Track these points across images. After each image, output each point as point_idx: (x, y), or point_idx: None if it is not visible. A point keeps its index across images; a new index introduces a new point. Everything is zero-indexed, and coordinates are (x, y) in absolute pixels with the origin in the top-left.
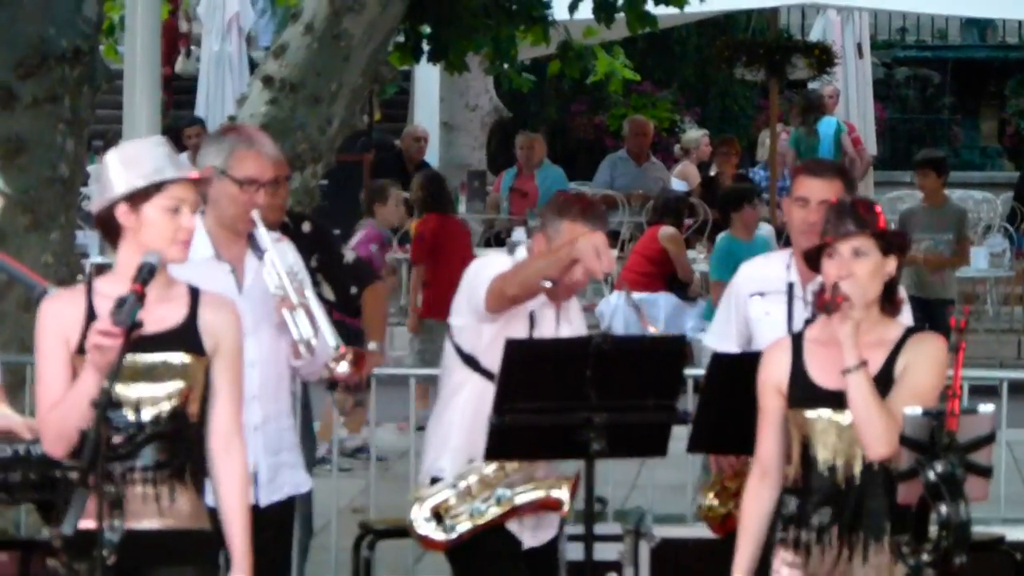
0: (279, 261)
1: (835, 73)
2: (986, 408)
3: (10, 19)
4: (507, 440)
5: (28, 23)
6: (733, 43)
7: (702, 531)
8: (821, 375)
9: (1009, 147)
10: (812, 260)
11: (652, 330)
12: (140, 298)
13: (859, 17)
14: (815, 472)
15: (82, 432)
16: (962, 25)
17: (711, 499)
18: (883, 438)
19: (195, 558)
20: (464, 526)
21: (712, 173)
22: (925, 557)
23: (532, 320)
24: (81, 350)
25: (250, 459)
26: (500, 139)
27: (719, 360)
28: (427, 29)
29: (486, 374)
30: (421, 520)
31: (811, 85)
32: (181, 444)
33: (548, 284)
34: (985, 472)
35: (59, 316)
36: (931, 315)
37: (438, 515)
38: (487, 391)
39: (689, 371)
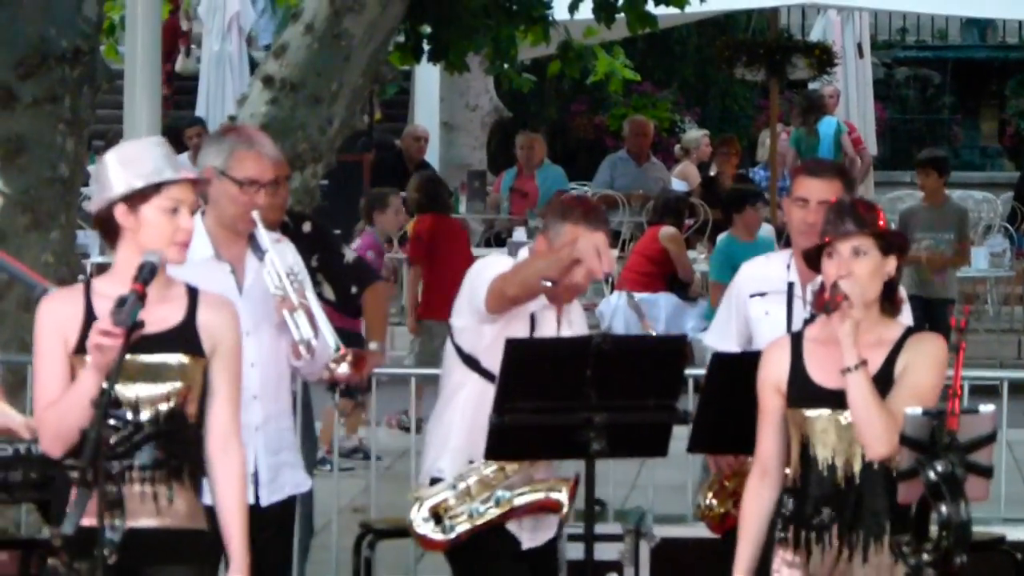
0: (279, 262)
1: (835, 73)
2: (987, 408)
3: (10, 19)
4: (507, 440)
5: (28, 23)
6: (733, 43)
7: (702, 531)
8: (821, 374)
9: (1009, 147)
10: (812, 260)
11: (652, 333)
12: (141, 298)
13: (859, 17)
14: (815, 471)
15: (83, 432)
16: (962, 25)
17: (710, 499)
18: (883, 438)
19: (192, 558)
20: (463, 526)
21: (712, 173)
22: (926, 557)
23: (533, 322)
24: (79, 350)
25: (251, 459)
26: (500, 139)
27: (719, 360)
28: (427, 29)
29: (486, 375)
30: (420, 520)
31: (811, 85)
32: (179, 444)
33: (548, 284)
34: (986, 472)
35: (58, 315)
36: (932, 315)
37: (437, 515)
38: (487, 392)
39: (689, 371)
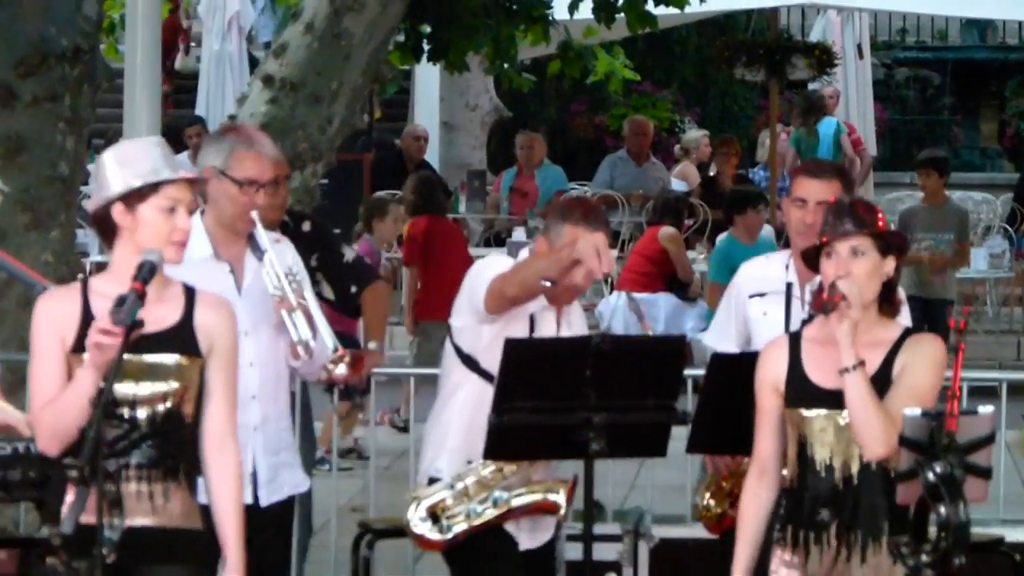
0: (278, 262)
1: (835, 74)
2: (985, 409)
3: (10, 18)
4: (506, 440)
5: (28, 22)
6: (733, 43)
7: (701, 531)
8: (819, 374)
9: (1009, 148)
10: (810, 260)
11: (651, 333)
12: (141, 297)
13: (859, 18)
14: (812, 472)
15: (82, 430)
16: (962, 26)
17: (707, 499)
18: (881, 438)
19: (187, 558)
20: (460, 527)
21: (712, 173)
22: (924, 558)
23: (532, 322)
24: (77, 348)
25: (249, 459)
26: (500, 139)
27: (718, 360)
28: (427, 28)
29: (485, 375)
30: (417, 520)
31: (811, 86)
32: (175, 444)
33: (547, 284)
34: (984, 473)
35: (55, 314)
36: (931, 315)
37: (434, 515)
38: (486, 392)
39: (689, 371)
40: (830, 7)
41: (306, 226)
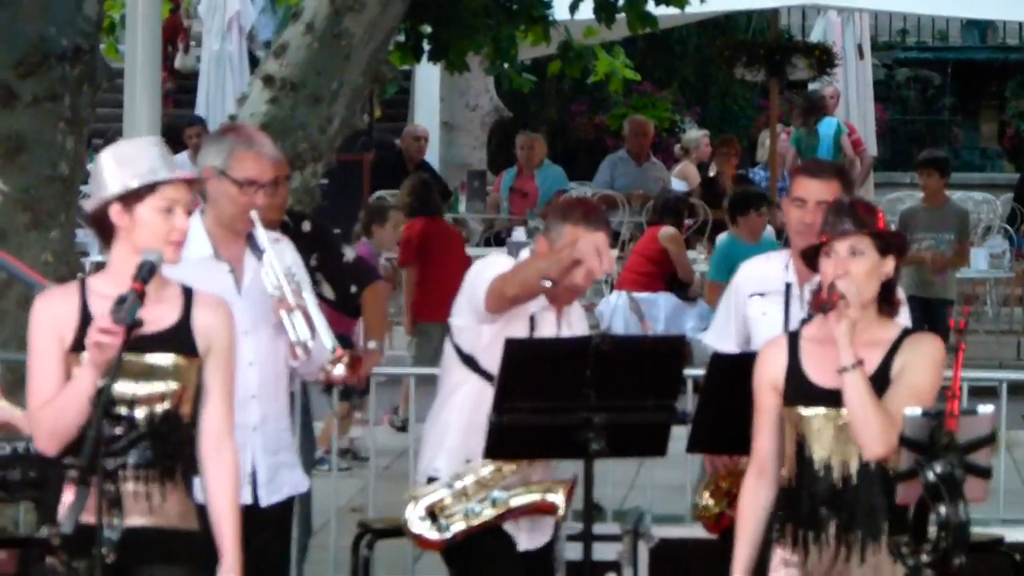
0: (277, 262)
1: (835, 74)
2: (985, 409)
3: (10, 18)
4: (506, 440)
5: (28, 22)
6: (733, 43)
7: (701, 531)
8: (817, 373)
9: (1009, 148)
10: (810, 259)
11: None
12: (140, 296)
13: (860, 18)
14: (811, 471)
15: (82, 430)
16: (963, 26)
17: (706, 498)
18: (880, 438)
19: (183, 558)
20: (458, 526)
21: (712, 173)
22: (924, 557)
23: (532, 323)
24: (75, 348)
25: (249, 459)
26: (500, 139)
27: (718, 360)
28: (428, 29)
29: (484, 375)
30: (416, 519)
31: (811, 86)
32: (173, 444)
33: (548, 284)
34: (984, 473)
35: (53, 314)
36: (932, 315)
37: (433, 514)
38: (485, 391)
39: (688, 371)
40: (830, 7)
41: (306, 226)
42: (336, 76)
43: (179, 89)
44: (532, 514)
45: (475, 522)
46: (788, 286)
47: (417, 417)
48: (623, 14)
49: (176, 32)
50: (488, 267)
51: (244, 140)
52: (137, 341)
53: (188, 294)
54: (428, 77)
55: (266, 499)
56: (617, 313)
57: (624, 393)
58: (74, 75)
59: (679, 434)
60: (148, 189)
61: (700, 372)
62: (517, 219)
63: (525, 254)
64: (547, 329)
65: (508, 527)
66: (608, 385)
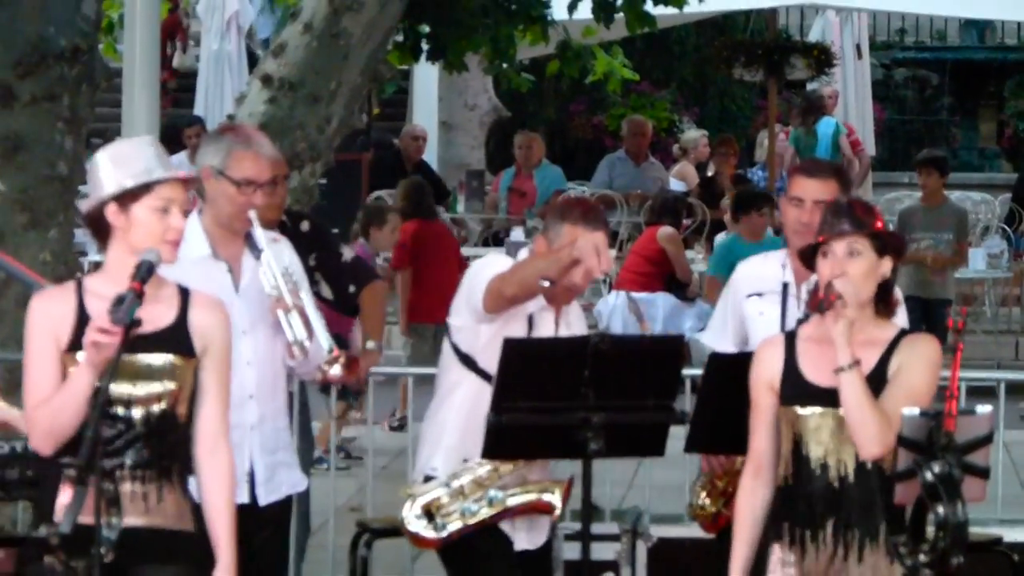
0: (275, 262)
1: (834, 74)
2: (984, 409)
3: (9, 18)
4: (505, 439)
5: (27, 22)
6: (732, 43)
7: (699, 531)
8: (814, 372)
9: (1007, 148)
10: (807, 259)
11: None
12: (139, 296)
13: (858, 18)
14: (807, 470)
15: (80, 429)
16: (961, 26)
17: (703, 498)
18: (876, 438)
19: (178, 558)
20: (455, 525)
21: (710, 173)
22: (922, 557)
23: (531, 323)
24: (71, 347)
25: (247, 458)
26: (499, 139)
27: (716, 360)
28: (426, 28)
29: (482, 374)
30: (412, 518)
31: (809, 86)
32: (169, 444)
33: (546, 284)
34: (982, 473)
35: (49, 313)
36: (930, 315)
37: (429, 513)
38: (483, 391)
39: (687, 371)
40: (829, 7)
41: (304, 226)
42: (334, 76)
43: (177, 88)
44: (529, 514)
45: (471, 521)
46: (785, 285)
47: (415, 417)
48: (621, 14)
49: (175, 29)
50: (487, 267)
51: (242, 140)
52: (134, 341)
53: (184, 294)
54: (426, 77)
55: (264, 498)
56: (616, 313)
57: (623, 393)
58: (72, 75)
59: (678, 434)
60: (144, 189)
61: (698, 372)
62: (515, 219)
63: (524, 254)
64: (545, 329)
65: (506, 527)
66: (606, 385)
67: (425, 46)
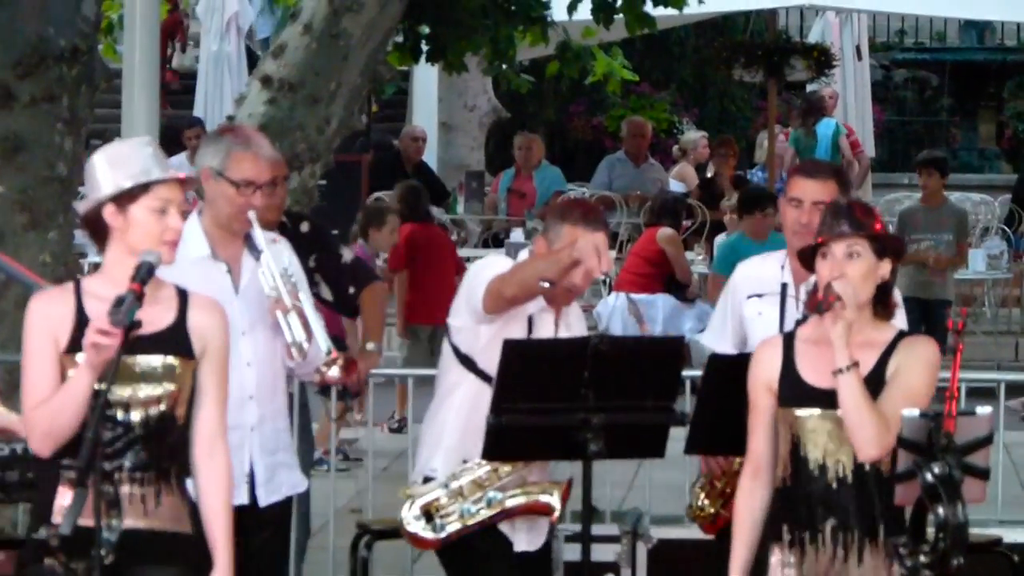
0: (274, 263)
1: (833, 75)
2: (984, 410)
3: (8, 18)
4: (504, 440)
5: (26, 22)
6: (731, 44)
7: (699, 532)
8: (812, 374)
9: (1007, 149)
10: (806, 260)
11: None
12: (139, 297)
13: (858, 19)
14: (806, 471)
15: (77, 432)
16: (960, 27)
17: (702, 499)
18: (874, 440)
19: (176, 560)
20: (453, 526)
21: (710, 174)
22: (923, 559)
23: (530, 324)
24: (70, 349)
25: (247, 459)
26: (498, 140)
27: (716, 361)
28: (426, 29)
29: (482, 375)
30: (411, 518)
31: (809, 87)
32: (168, 446)
33: (546, 285)
34: (982, 474)
35: (47, 314)
36: (930, 316)
37: (428, 514)
38: (482, 392)
39: (687, 372)
40: (828, 8)
41: (304, 227)
42: (334, 77)
43: (176, 90)
44: (528, 515)
45: (470, 522)
46: (784, 286)
47: (415, 418)
48: (621, 15)
49: (175, 29)
50: (486, 268)
51: (242, 141)
52: (132, 342)
53: (183, 295)
54: (426, 78)
55: (264, 499)
56: (615, 315)
57: (623, 394)
58: (72, 76)
59: (678, 435)
60: (141, 189)
61: (698, 373)
62: (515, 220)
63: (524, 255)
64: (545, 330)
65: (505, 528)
66: (607, 386)
67: (425, 47)
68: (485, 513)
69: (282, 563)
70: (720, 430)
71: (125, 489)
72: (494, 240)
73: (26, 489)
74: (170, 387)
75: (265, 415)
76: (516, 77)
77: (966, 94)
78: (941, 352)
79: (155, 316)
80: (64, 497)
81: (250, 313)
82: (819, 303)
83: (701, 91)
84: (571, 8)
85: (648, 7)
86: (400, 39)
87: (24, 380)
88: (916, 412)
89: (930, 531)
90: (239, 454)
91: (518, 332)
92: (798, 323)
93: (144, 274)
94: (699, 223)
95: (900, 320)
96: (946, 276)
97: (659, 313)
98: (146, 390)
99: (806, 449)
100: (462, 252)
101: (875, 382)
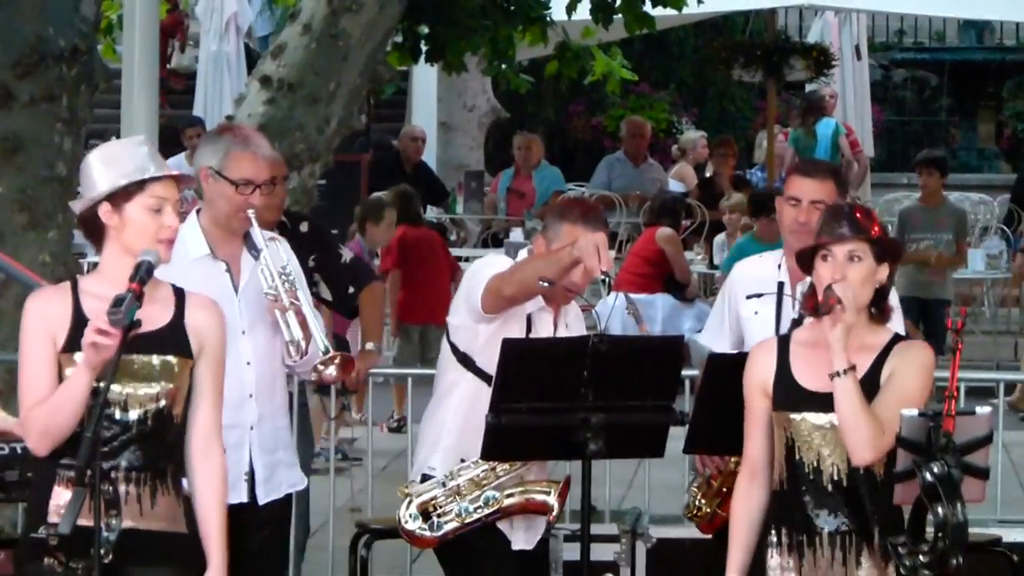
0: (272, 262)
1: (833, 75)
2: (983, 410)
3: (8, 18)
4: (503, 440)
5: (26, 22)
6: (731, 44)
7: (698, 532)
8: (807, 377)
9: (1006, 149)
10: (805, 261)
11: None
12: (138, 297)
13: (857, 19)
14: (801, 474)
15: (75, 431)
16: (960, 27)
17: (699, 499)
18: (869, 443)
19: (171, 560)
20: (451, 525)
21: (709, 174)
22: (922, 558)
23: (529, 323)
24: (68, 348)
25: (246, 457)
26: (497, 140)
27: (715, 361)
28: (425, 29)
29: (481, 374)
30: (408, 517)
31: (808, 87)
32: (165, 445)
33: (546, 284)
34: (982, 474)
35: (45, 313)
36: (929, 316)
37: (426, 512)
38: (481, 391)
39: (686, 372)
40: (828, 8)
41: (304, 227)
42: (334, 77)
43: (175, 90)
44: (525, 514)
45: (468, 520)
46: (780, 285)
47: (414, 418)
48: (620, 15)
49: (175, 29)
50: (486, 267)
51: (240, 140)
52: (130, 341)
53: (180, 295)
54: (425, 78)
55: (264, 497)
56: (614, 314)
57: (622, 394)
58: (71, 76)
59: (677, 434)
60: (137, 187)
61: (697, 373)
62: (514, 220)
63: (523, 255)
64: (544, 329)
65: (504, 527)
66: (606, 385)
67: (424, 47)
68: (483, 512)
69: (281, 562)
70: (719, 430)
71: (121, 488)
72: (493, 240)
73: (26, 488)
74: (168, 386)
75: (265, 414)
76: (515, 77)
77: (965, 94)
78: (940, 352)
79: (153, 315)
80: (59, 496)
81: (250, 312)
82: (818, 304)
83: (700, 91)
84: (570, 8)
85: (647, 7)
86: (399, 39)
87: (21, 379)
88: (915, 412)
89: (929, 531)
90: (239, 452)
91: (517, 331)
92: (794, 323)
93: (143, 273)
94: (698, 223)
95: (897, 323)
96: (945, 276)
97: (658, 313)
98: (144, 389)
99: (801, 452)
100: (462, 252)
101: (869, 386)
